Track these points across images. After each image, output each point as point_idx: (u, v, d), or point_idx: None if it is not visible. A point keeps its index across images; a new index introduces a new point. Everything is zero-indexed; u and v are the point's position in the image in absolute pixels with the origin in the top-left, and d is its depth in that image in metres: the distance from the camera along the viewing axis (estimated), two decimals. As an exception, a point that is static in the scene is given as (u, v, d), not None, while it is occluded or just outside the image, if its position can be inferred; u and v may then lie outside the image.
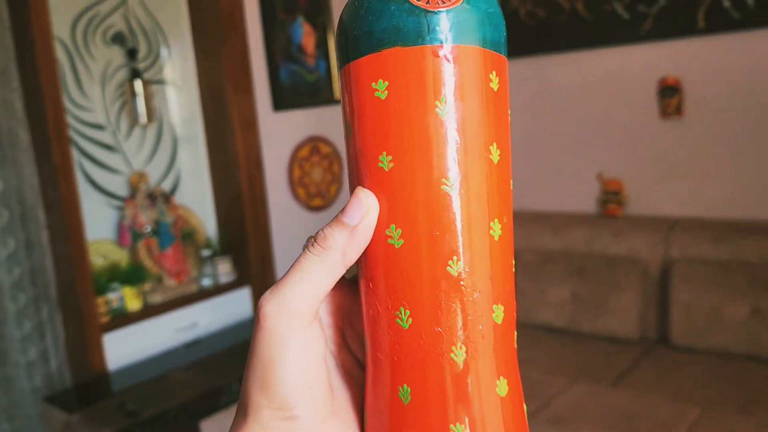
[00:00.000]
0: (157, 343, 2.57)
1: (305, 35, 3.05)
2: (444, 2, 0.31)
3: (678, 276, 2.27)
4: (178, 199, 2.79)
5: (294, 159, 3.02)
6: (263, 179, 2.90)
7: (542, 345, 2.42)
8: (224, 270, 2.79)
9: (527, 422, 0.34)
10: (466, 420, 0.31)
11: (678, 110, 2.43)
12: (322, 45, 3.13)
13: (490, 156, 0.32)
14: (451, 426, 0.31)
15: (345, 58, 0.33)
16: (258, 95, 2.88)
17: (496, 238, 0.32)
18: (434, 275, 0.31)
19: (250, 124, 2.83)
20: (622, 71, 2.54)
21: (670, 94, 2.43)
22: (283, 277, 0.32)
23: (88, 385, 2.34)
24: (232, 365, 2.41)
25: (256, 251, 2.87)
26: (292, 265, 0.32)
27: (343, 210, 0.32)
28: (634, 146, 2.57)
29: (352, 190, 0.33)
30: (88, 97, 2.52)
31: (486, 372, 0.32)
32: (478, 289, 0.31)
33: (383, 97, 0.31)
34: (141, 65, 2.65)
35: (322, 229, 0.32)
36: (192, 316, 2.69)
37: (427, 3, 0.30)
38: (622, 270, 2.39)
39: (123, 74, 2.61)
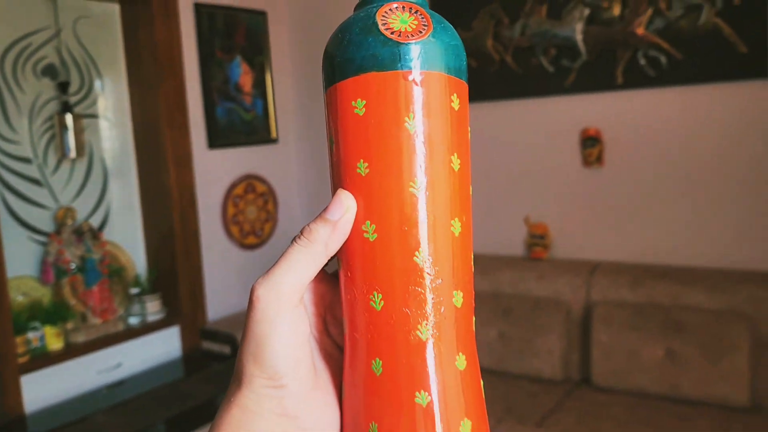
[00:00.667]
0: (79, 385, 2.49)
1: (243, 74, 3.07)
2: (413, 36, 0.36)
3: (598, 318, 2.36)
4: (107, 235, 2.73)
5: (228, 196, 3.02)
6: (196, 216, 2.87)
7: (470, 385, 2.46)
8: (153, 308, 2.73)
9: (484, 397, 0.40)
10: (430, 388, 0.36)
11: (599, 159, 2.56)
12: (259, 84, 3.16)
13: (452, 164, 0.37)
14: (416, 393, 0.36)
15: (330, 81, 0.39)
16: (193, 132, 2.87)
17: (457, 234, 0.37)
18: (403, 264, 0.37)
19: (185, 160, 2.81)
20: (548, 121, 2.67)
21: (591, 144, 2.56)
22: (273, 265, 0.37)
23: (2, 429, 2.23)
24: (156, 407, 2.35)
25: (187, 289, 2.83)
26: (281, 256, 0.38)
27: (326, 208, 0.37)
28: (558, 192, 2.69)
29: (333, 192, 0.38)
30: (15, 130, 2.46)
31: (447, 348, 0.37)
32: (440, 276, 0.37)
33: (361, 114, 0.37)
34: (72, 98, 2.61)
35: (308, 225, 0.38)
36: (116, 356, 2.61)
37: (399, 36, 0.36)
38: (546, 312, 2.47)
39: (53, 107, 2.56)
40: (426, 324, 0.36)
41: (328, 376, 0.40)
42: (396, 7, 0.37)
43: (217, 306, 2.98)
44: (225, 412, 0.38)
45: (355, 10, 0.39)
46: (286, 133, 3.33)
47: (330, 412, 0.39)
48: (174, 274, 2.80)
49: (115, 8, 2.78)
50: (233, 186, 3.03)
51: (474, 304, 0.40)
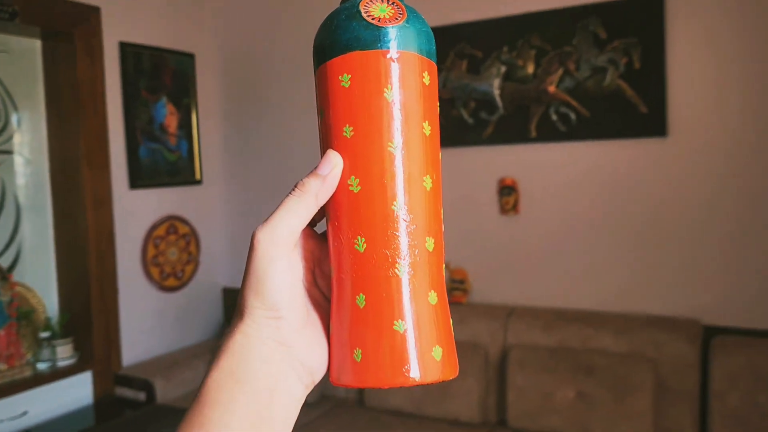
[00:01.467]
0: (-22, 435, 2.34)
1: (169, 115, 3.06)
2: (390, 21, 0.44)
3: (513, 361, 2.45)
4: (18, 276, 2.62)
5: (149, 237, 2.96)
6: (114, 257, 2.80)
7: (390, 430, 2.48)
8: (64, 353, 2.62)
9: (453, 331, 0.46)
10: (405, 318, 0.43)
11: (515, 208, 2.68)
12: (185, 125, 3.15)
13: (423, 130, 0.45)
14: (395, 322, 0.43)
15: (321, 60, 0.46)
16: (115, 171, 2.82)
17: (428, 189, 0.45)
18: (383, 212, 0.43)
19: (104, 200, 2.75)
20: (468, 170, 2.78)
21: (507, 192, 2.68)
22: (271, 214, 0.43)
23: None
24: (63, 458, 2.24)
25: (101, 333, 2.74)
26: (278, 206, 0.43)
27: (317, 165, 0.44)
28: (477, 239, 2.79)
29: (323, 154, 0.45)
30: None
31: (421, 285, 0.43)
32: (414, 223, 0.44)
33: (347, 86, 0.44)
34: (-14, 134, 2.53)
35: (302, 179, 0.44)
36: (23, 404, 2.49)
37: (378, 21, 0.44)
38: (465, 355, 2.53)
39: (-36, 143, 2.47)
40: (403, 263, 0.43)
41: (317, 319, 0.46)
42: None
43: (133, 350, 2.89)
44: (228, 339, 0.43)
45: (341, 3, 0.47)
46: (211, 175, 3.32)
47: (319, 349, 0.45)
48: (88, 316, 2.70)
49: (37, 44, 2.73)
50: (154, 227, 2.98)
51: (444, 252, 0.46)
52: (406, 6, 0.46)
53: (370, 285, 0.43)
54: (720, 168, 2.36)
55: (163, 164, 3.02)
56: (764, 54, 2.26)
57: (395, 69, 0.44)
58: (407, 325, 0.42)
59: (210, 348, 3.13)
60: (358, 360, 0.43)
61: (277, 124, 3.24)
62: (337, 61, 0.44)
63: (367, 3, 0.45)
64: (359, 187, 0.43)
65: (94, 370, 2.72)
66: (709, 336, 2.37)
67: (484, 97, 2.70)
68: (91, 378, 2.73)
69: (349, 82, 0.44)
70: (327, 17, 0.46)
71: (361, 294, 0.43)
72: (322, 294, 0.47)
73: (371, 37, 0.44)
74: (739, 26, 2.30)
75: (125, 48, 2.86)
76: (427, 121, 0.45)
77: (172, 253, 3.06)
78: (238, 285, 3.24)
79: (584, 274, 2.62)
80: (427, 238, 0.44)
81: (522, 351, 2.46)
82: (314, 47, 0.47)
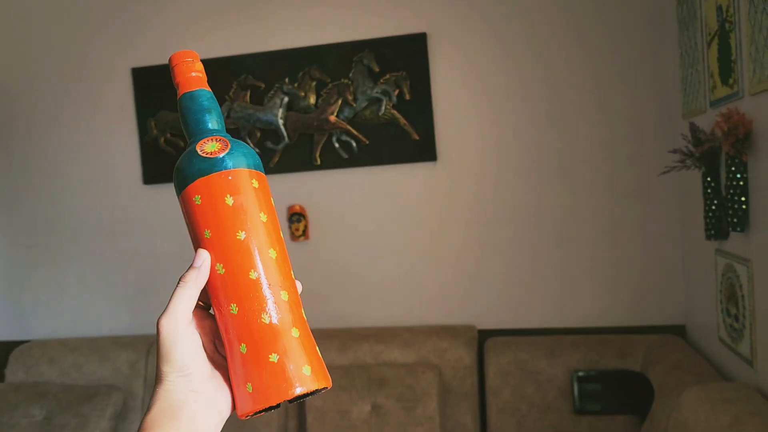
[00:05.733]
0: None
1: None
2: (219, 153, 0.61)
3: (311, 384, 2.49)
4: None
5: None
6: None
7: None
8: None
9: (320, 356, 0.61)
10: (279, 351, 0.57)
11: (304, 233, 2.75)
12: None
13: (261, 218, 0.61)
14: (270, 356, 0.57)
15: (180, 189, 0.62)
16: None
17: (274, 257, 0.60)
18: (244, 282, 0.58)
19: None
20: (257, 198, 2.80)
21: (297, 219, 2.75)
22: (168, 304, 0.58)
23: None
24: None
25: None
26: (171, 296, 0.58)
27: (192, 261, 0.59)
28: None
29: (196, 250, 0.60)
30: None
31: (285, 325, 0.58)
32: (269, 282, 0.59)
33: (199, 203, 0.60)
34: None
35: (183, 274, 0.59)
36: None
37: (211, 154, 0.61)
38: (263, 383, 2.52)
39: None
40: (266, 314, 0.58)
41: (220, 375, 0.61)
42: (208, 139, 0.63)
43: None
44: (154, 396, 0.57)
45: (185, 149, 0.64)
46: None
47: (224, 393, 0.60)
48: None
49: None
50: None
51: (300, 302, 0.62)
52: (230, 139, 0.63)
53: (246, 335, 0.58)
54: (475, 188, 2.64)
55: None
56: (512, 89, 2.60)
57: (230, 182, 0.60)
58: (280, 355, 0.57)
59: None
60: (251, 391, 0.57)
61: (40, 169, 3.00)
62: (189, 189, 0.61)
63: (201, 144, 0.62)
64: (224, 270, 0.59)
65: None
66: (483, 339, 2.62)
67: (269, 127, 2.75)
68: None
69: (201, 200, 0.60)
70: (177, 161, 0.63)
71: (242, 344, 0.58)
72: (223, 358, 0.62)
73: (208, 166, 0.60)
74: (489, 65, 2.61)
75: None
76: (262, 212, 0.61)
77: None
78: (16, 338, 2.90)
79: (373, 293, 2.76)
80: (281, 292, 0.59)
81: (318, 372, 2.51)
82: (175, 182, 0.63)
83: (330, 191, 2.77)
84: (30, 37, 3.03)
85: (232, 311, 0.58)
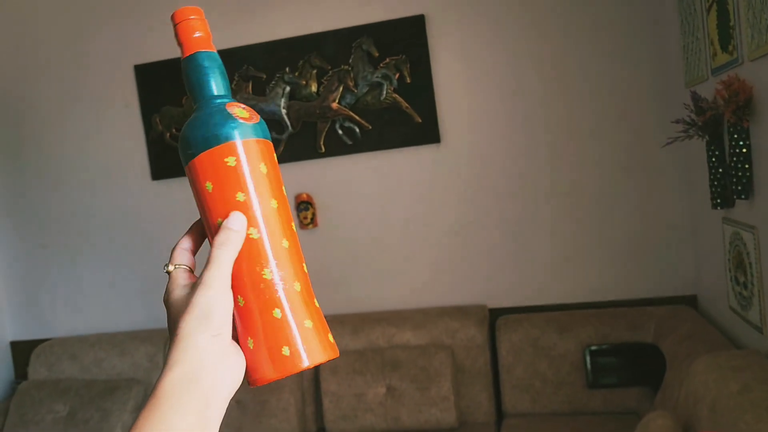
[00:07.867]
0: None
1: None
2: (254, 119, 0.59)
3: (325, 369, 2.52)
4: None
5: None
6: None
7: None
8: None
9: (335, 342, 0.59)
10: (291, 342, 0.56)
11: (313, 221, 2.77)
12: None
13: (283, 191, 0.60)
14: (282, 348, 0.55)
15: (206, 148, 0.58)
16: None
17: (287, 247, 0.58)
18: (280, 247, 0.57)
19: None
20: (264, 189, 2.82)
21: (305, 207, 2.77)
22: (209, 260, 0.55)
23: None
24: None
25: None
26: (212, 255, 0.56)
27: (227, 221, 0.57)
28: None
29: (211, 217, 0.58)
30: None
31: (298, 316, 0.57)
32: (283, 270, 0.57)
33: (233, 165, 0.57)
34: None
35: (221, 235, 0.56)
36: None
37: (246, 120, 0.58)
38: (279, 371, 2.56)
39: None
40: (280, 304, 0.56)
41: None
42: (234, 104, 0.60)
43: None
44: (172, 359, 0.53)
45: (210, 104, 0.60)
46: (-15, 219, 3.02)
47: (241, 359, 0.57)
48: None
49: None
50: None
51: (313, 294, 0.60)
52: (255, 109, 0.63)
53: (282, 300, 0.57)
54: (480, 167, 2.64)
55: None
56: (512, 66, 2.58)
57: (265, 150, 0.59)
58: (294, 347, 0.56)
59: (2, 410, 2.84)
60: (287, 354, 0.56)
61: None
62: (223, 148, 0.57)
63: (231, 107, 0.59)
64: (258, 234, 0.57)
65: None
66: (494, 318, 2.63)
67: (273, 117, 2.77)
68: None
69: (235, 162, 0.57)
70: (197, 117, 0.59)
71: (276, 308, 0.57)
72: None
73: (247, 130, 0.58)
74: (489, 44, 2.60)
75: None
76: (282, 186, 0.60)
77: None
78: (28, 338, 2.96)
79: (383, 277, 2.78)
80: (295, 283, 0.58)
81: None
82: (196, 140, 0.59)
83: (336, 178, 2.78)
84: (30, 37, 3.06)
85: (264, 276, 0.56)
